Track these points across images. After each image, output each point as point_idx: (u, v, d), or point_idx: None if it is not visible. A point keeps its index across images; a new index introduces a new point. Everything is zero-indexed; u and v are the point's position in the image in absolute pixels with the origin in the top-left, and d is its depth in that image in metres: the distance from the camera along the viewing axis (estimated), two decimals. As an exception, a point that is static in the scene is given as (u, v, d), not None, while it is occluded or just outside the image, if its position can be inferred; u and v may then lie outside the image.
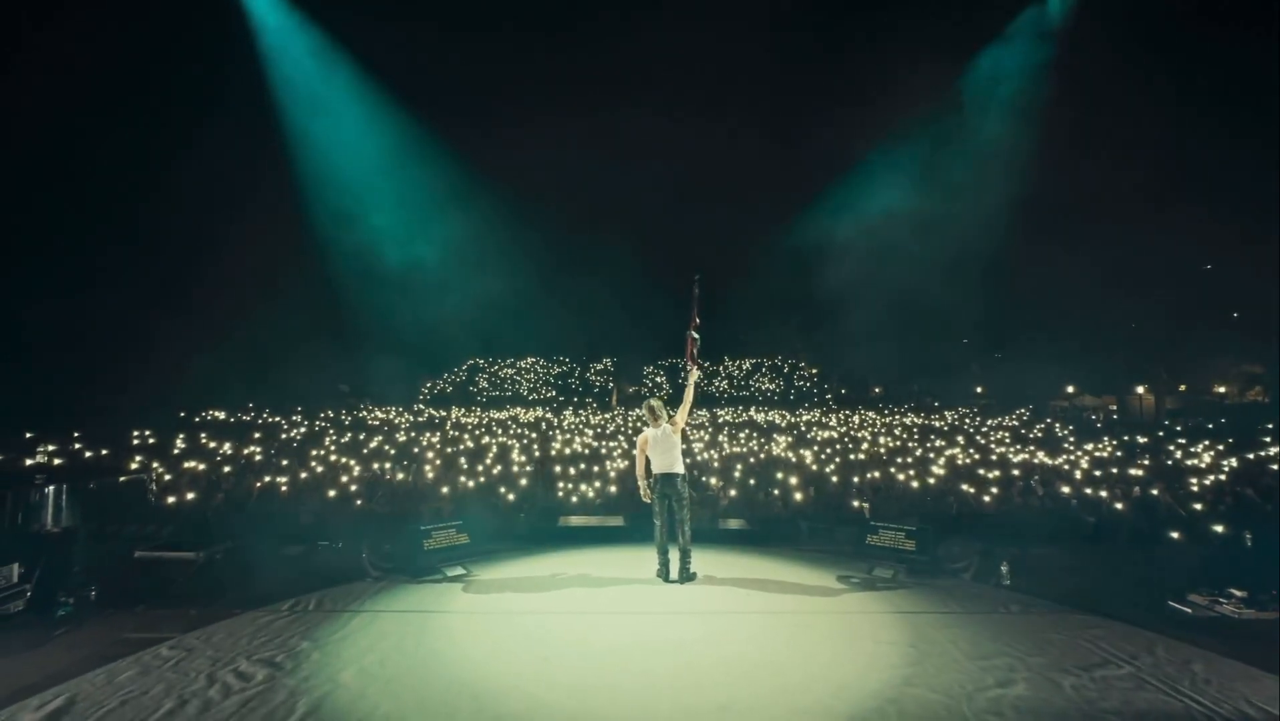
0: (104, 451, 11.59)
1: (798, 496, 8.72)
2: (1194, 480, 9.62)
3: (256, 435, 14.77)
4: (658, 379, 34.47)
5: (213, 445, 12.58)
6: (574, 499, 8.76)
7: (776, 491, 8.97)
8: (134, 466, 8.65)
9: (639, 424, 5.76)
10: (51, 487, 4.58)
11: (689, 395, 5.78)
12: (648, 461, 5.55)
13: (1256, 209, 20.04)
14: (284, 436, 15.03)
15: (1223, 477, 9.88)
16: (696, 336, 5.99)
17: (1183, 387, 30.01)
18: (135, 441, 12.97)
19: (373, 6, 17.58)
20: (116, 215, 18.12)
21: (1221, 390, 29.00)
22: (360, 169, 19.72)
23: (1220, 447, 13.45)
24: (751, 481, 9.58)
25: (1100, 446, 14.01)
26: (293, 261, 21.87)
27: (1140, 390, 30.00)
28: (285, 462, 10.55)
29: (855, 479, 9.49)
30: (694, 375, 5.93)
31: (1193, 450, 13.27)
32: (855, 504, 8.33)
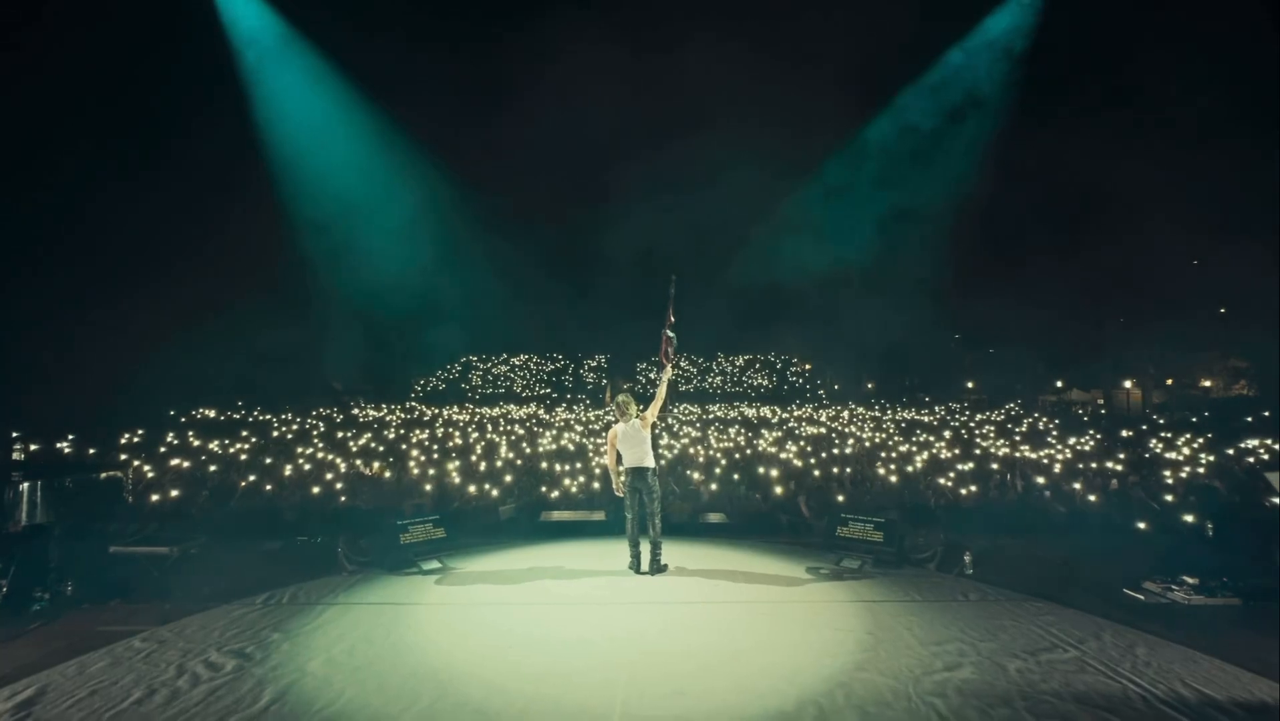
0: (91, 450, 11.61)
1: (778, 490, 8.83)
2: (1168, 473, 9.78)
3: (245, 433, 14.81)
4: (652, 375, 34.59)
5: (199, 443, 12.61)
6: (555, 494, 8.85)
7: (756, 486, 9.09)
8: (122, 460, 8.70)
9: (610, 419, 5.88)
10: (27, 484, 4.64)
11: (661, 392, 5.87)
12: (620, 455, 5.64)
13: (1243, 204, 20.27)
14: (273, 434, 15.09)
15: (1199, 470, 10.05)
16: (672, 335, 6.08)
17: (1170, 382, 30.30)
18: (123, 440, 12.99)
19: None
20: (91, 208, 17.99)
21: (1207, 384, 29.31)
22: (345, 166, 19.75)
23: (1200, 441, 13.63)
24: (735, 476, 9.69)
25: (1082, 440, 14.19)
26: (282, 258, 21.86)
27: (1128, 385, 30.27)
28: (270, 460, 10.61)
29: (835, 470, 9.61)
30: (667, 373, 6.03)
31: (1173, 444, 13.45)
32: (840, 498, 8.44)
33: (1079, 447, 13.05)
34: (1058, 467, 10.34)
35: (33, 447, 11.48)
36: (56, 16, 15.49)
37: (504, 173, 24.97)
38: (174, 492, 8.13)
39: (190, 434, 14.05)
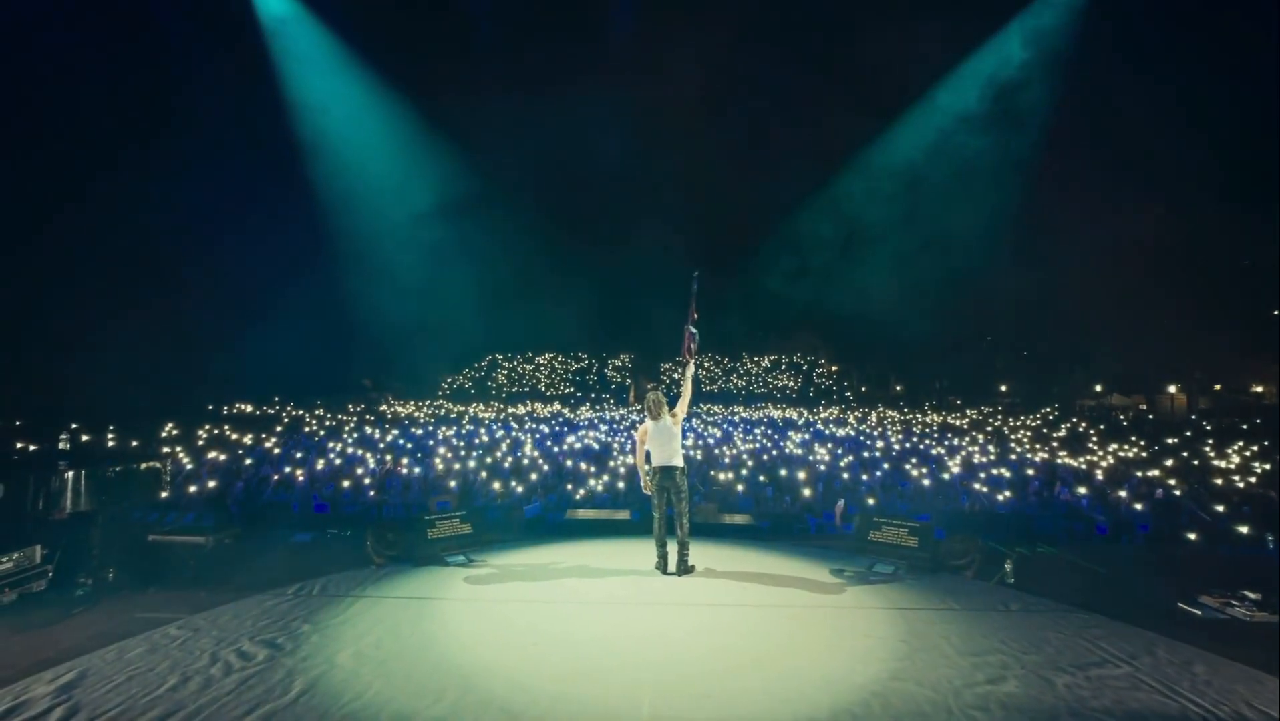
0: (134, 442, 12.02)
1: (806, 492, 8.67)
2: (1219, 482, 9.32)
3: (279, 427, 15.18)
4: (676, 375, 34.44)
5: (235, 436, 12.95)
6: (581, 492, 8.83)
7: (784, 488, 8.94)
8: (162, 452, 8.94)
9: (640, 416, 5.78)
10: (71, 473, 4.76)
11: (687, 388, 5.78)
12: (648, 453, 5.57)
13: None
14: (305, 429, 15.42)
15: (1252, 480, 9.56)
16: (694, 331, 5.99)
17: (1218, 387, 28.98)
18: (163, 432, 13.41)
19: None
20: (116, 205, 18.56)
21: (1259, 390, 27.95)
22: (377, 164, 20.06)
23: (1254, 449, 12.98)
24: (761, 477, 9.55)
25: (1124, 446, 13.63)
26: (316, 259, 22.39)
27: (1172, 389, 29.06)
28: (302, 454, 10.82)
29: (864, 476, 9.39)
30: (690, 368, 5.94)
31: (1222, 451, 12.83)
32: (870, 501, 8.24)
33: (1122, 454, 12.54)
34: (1100, 474, 9.94)
35: (84, 438, 11.93)
36: (92, 21, 16.02)
37: (532, 172, 25.17)
38: (211, 484, 8.34)
39: (227, 427, 14.44)
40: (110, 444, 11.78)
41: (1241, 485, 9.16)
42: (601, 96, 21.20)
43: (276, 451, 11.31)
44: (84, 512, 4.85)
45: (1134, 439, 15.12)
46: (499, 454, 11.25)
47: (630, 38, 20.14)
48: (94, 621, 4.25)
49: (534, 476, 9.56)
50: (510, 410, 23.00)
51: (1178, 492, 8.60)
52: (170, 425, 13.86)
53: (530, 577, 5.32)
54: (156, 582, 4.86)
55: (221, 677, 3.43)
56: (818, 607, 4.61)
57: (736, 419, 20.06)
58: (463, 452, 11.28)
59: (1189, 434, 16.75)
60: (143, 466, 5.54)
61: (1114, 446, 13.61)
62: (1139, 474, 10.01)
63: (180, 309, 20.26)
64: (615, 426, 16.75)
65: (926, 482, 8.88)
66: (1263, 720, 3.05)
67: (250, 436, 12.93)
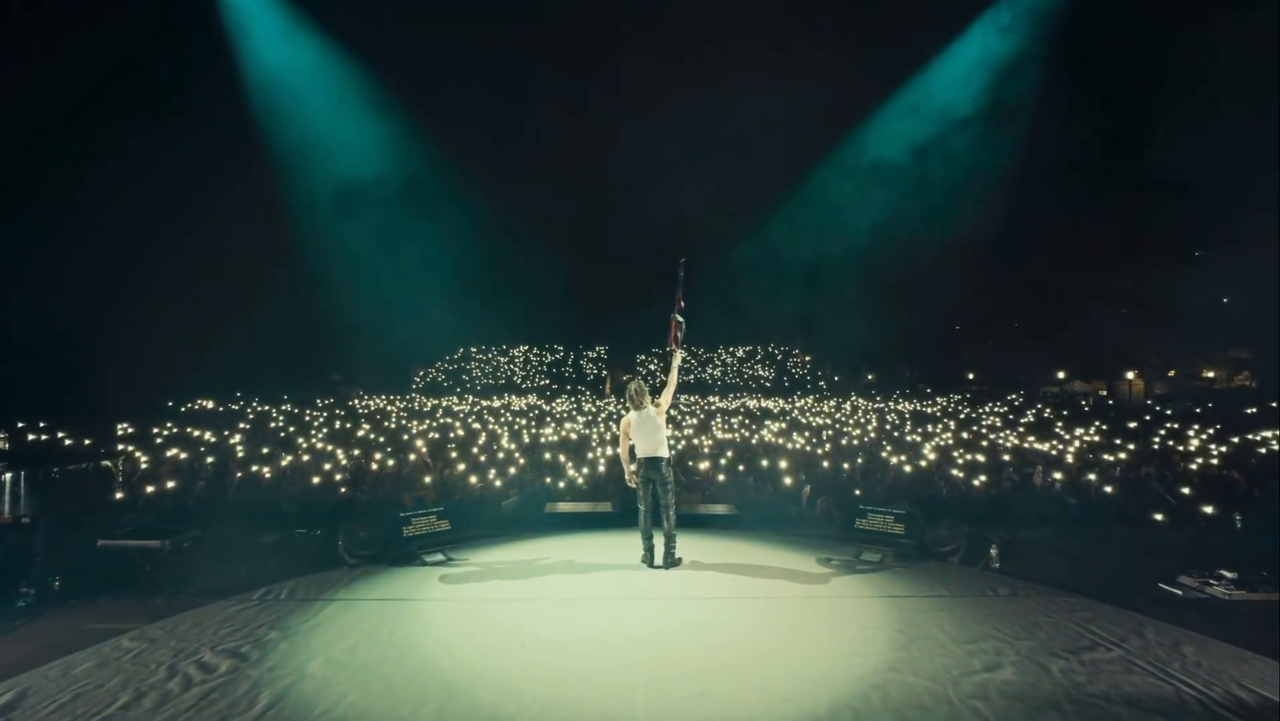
0: (87, 441, 11.36)
1: (787, 481, 8.64)
2: (1183, 464, 9.61)
3: (243, 424, 14.56)
4: (651, 366, 34.36)
5: (196, 434, 12.37)
6: (561, 484, 8.64)
7: (765, 478, 8.90)
8: (117, 450, 8.44)
9: (623, 409, 5.58)
10: (10, 475, 4.40)
11: (673, 378, 5.65)
12: (632, 446, 5.42)
13: (1245, 194, 20.02)
14: (271, 425, 14.85)
15: (1213, 461, 9.88)
16: (681, 320, 5.84)
17: (1172, 373, 30.15)
18: (120, 431, 12.73)
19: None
20: (86, 201, 17.56)
21: (1210, 375, 29.17)
22: (345, 156, 19.39)
23: (1210, 432, 13.47)
24: (741, 467, 9.50)
25: (1089, 431, 14.02)
26: (279, 249, 21.56)
27: (1130, 375, 30.12)
28: (268, 450, 10.38)
29: (845, 465, 9.42)
30: (677, 358, 5.80)
31: (1182, 434, 13.29)
32: (856, 491, 8.23)
33: (1087, 439, 12.88)
34: (1070, 459, 10.16)
35: (30, 437, 11.24)
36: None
37: (505, 163, 24.69)
38: (170, 484, 7.90)
39: (188, 425, 13.79)
40: (67, 443, 11.11)
41: (1201, 465, 9.46)
42: (575, 73, 20.81)
43: (240, 450, 10.82)
44: (26, 516, 4.49)
45: (1097, 423, 15.57)
46: (475, 448, 10.98)
47: (599, 12, 19.81)
48: (37, 635, 3.92)
49: (512, 470, 9.34)
50: (485, 403, 22.59)
51: (1144, 474, 8.83)
52: (127, 423, 13.16)
53: (513, 575, 5.13)
54: (108, 591, 4.52)
55: (180, 692, 3.18)
56: (811, 598, 4.54)
57: (713, 409, 20.06)
58: (442, 448, 10.98)
59: (1148, 418, 17.33)
60: (91, 467, 5.18)
61: (1079, 431, 13.98)
62: (1106, 457, 10.28)
63: (140, 301, 19.27)
64: (591, 418, 16.56)
65: (908, 469, 8.94)
66: (1254, 699, 3.07)
67: (212, 433, 12.36)
